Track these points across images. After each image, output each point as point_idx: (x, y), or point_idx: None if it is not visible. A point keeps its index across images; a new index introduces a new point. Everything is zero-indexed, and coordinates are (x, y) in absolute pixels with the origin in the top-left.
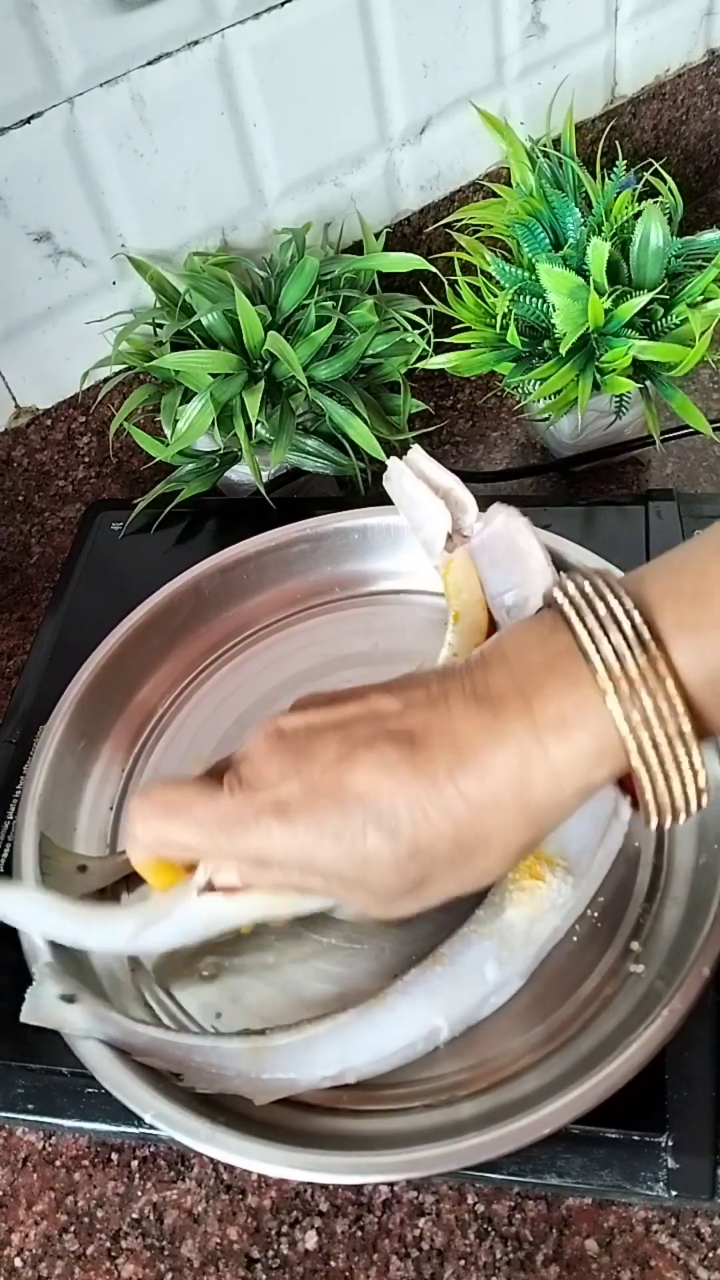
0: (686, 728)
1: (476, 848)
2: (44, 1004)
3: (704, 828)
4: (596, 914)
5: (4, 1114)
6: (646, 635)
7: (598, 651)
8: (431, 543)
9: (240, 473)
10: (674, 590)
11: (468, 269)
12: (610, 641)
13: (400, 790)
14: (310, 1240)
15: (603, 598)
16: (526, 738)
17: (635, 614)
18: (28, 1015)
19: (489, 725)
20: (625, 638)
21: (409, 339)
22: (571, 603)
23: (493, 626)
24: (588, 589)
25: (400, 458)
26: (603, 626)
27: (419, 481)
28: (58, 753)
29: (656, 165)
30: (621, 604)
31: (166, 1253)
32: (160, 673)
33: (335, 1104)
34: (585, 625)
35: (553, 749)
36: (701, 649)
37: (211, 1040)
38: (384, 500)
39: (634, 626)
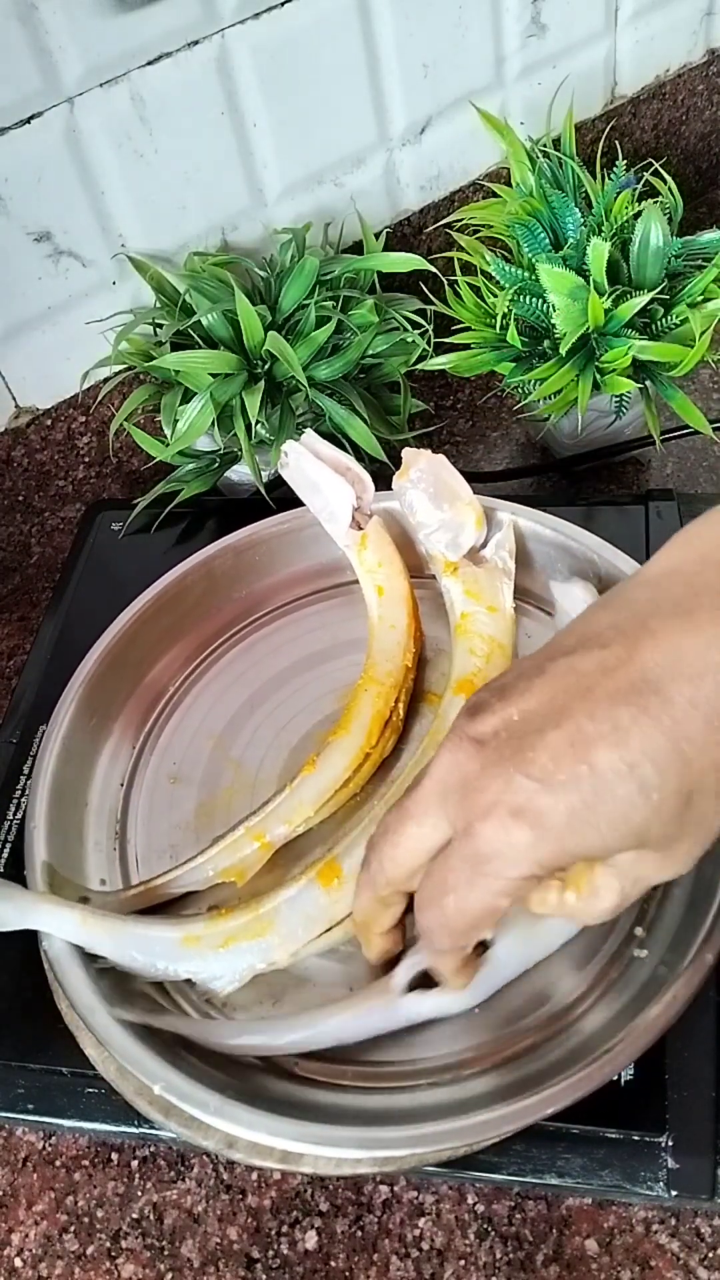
0: None
1: None
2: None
3: None
4: None
5: (4, 1114)
6: None
7: None
8: (339, 522)
9: (240, 473)
10: None
11: (468, 269)
12: None
13: (649, 748)
14: (310, 1240)
15: None
16: None
17: None
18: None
19: (709, 629)
20: None
21: (409, 339)
22: None
23: (413, 596)
24: None
25: (297, 441)
26: None
27: (319, 463)
28: (69, 730)
29: (656, 165)
30: None
31: (166, 1253)
32: (172, 652)
33: (340, 1080)
34: None
35: None
36: None
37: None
38: (388, 489)
39: None
